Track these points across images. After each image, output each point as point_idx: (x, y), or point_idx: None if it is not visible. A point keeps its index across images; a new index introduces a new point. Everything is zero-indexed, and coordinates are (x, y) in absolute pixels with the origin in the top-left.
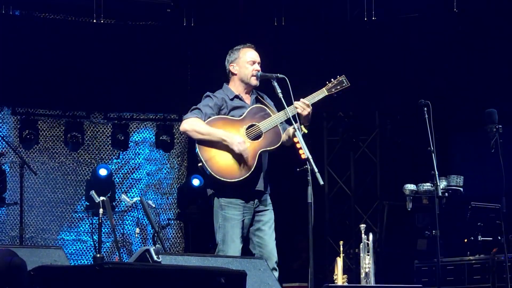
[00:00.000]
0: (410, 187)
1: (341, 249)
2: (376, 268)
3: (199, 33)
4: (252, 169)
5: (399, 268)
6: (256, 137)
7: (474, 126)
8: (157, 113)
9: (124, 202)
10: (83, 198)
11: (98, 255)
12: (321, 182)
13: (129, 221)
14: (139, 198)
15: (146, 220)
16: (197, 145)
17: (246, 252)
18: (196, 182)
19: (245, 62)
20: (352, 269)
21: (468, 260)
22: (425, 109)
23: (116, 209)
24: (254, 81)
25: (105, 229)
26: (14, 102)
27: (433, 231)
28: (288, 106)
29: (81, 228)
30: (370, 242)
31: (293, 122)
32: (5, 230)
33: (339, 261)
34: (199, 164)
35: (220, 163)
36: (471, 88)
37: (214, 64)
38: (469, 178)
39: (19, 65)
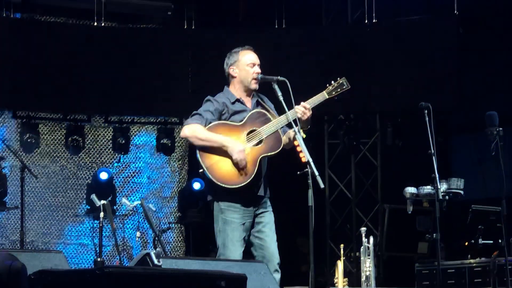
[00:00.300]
0: (411, 190)
1: (342, 252)
2: (377, 271)
3: (200, 36)
4: (253, 175)
5: (399, 271)
6: (257, 142)
7: (475, 128)
8: (158, 116)
9: (124, 205)
10: (84, 202)
11: (98, 259)
12: (322, 186)
13: (129, 224)
14: (139, 202)
15: (146, 223)
16: (198, 151)
17: (248, 255)
18: (196, 185)
19: (245, 64)
20: (353, 273)
21: (469, 263)
22: (426, 112)
23: (117, 213)
24: (253, 85)
25: (106, 232)
26: (15, 106)
27: (434, 234)
28: (289, 110)
29: (82, 232)
30: (371, 245)
31: (294, 125)
32: (5, 234)
33: (340, 264)
34: (200, 171)
35: (221, 169)
36: (472, 90)
37: (215, 68)
38: (470, 181)
39: (20, 68)
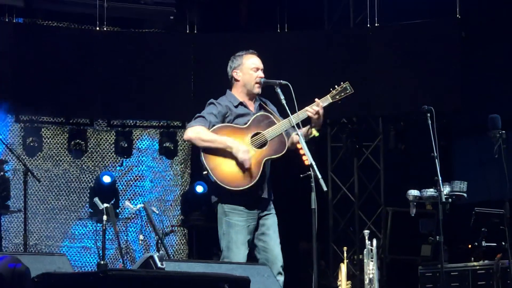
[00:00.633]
0: (414, 193)
1: (345, 255)
2: (380, 274)
3: (202, 40)
4: (258, 177)
5: (403, 274)
6: (261, 145)
7: (478, 131)
8: (161, 120)
9: (127, 209)
10: (87, 205)
11: (102, 262)
12: (325, 188)
13: (132, 228)
14: (142, 205)
15: (149, 227)
16: (202, 153)
17: (252, 258)
18: (199, 188)
19: (249, 68)
20: (356, 275)
21: (472, 266)
22: (428, 115)
23: (120, 216)
24: (257, 89)
25: (109, 236)
26: (18, 110)
27: (437, 237)
28: (292, 113)
29: (85, 235)
30: (374, 248)
31: (297, 129)
32: (9, 237)
33: (343, 267)
34: (204, 173)
35: (225, 171)
36: (475, 94)
37: (217, 71)
38: (473, 184)
39: (22, 72)
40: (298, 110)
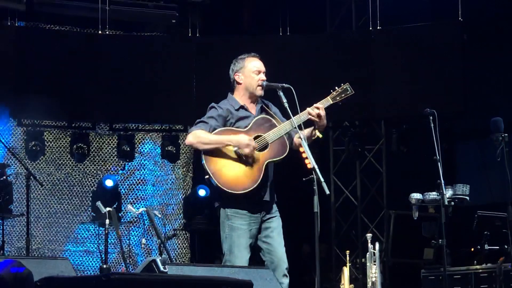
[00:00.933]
0: (416, 196)
1: (348, 258)
2: (383, 277)
3: (204, 43)
4: (259, 181)
5: (405, 277)
6: (262, 148)
7: (480, 135)
8: (163, 123)
9: (130, 212)
10: (89, 209)
11: (104, 266)
12: (327, 192)
13: (135, 232)
14: (145, 209)
15: (152, 230)
16: (203, 157)
17: (257, 259)
18: (202, 192)
19: (251, 71)
20: (359, 279)
21: (475, 269)
22: (431, 118)
23: (122, 220)
24: (259, 91)
25: (112, 240)
26: (20, 114)
27: (440, 240)
28: (294, 116)
29: (87, 239)
30: (377, 252)
31: (299, 131)
32: (11, 241)
33: (346, 271)
34: (206, 177)
35: (227, 175)
36: (477, 97)
37: (219, 75)
38: (475, 187)
39: (25, 76)
40: (301, 113)
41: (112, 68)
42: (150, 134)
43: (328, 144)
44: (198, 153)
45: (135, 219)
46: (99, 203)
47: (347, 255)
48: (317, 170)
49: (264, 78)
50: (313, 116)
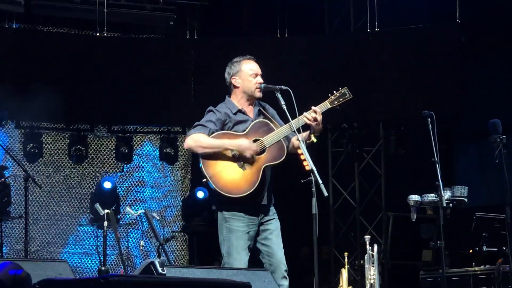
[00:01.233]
0: (415, 198)
1: (346, 260)
2: (381, 279)
3: (202, 45)
4: (257, 184)
5: (404, 279)
6: (260, 152)
7: (478, 136)
8: (161, 125)
9: (128, 214)
10: (88, 211)
11: (103, 268)
12: (326, 194)
13: (134, 234)
14: (143, 211)
15: (150, 232)
16: (201, 160)
17: (256, 262)
18: (200, 194)
19: (248, 75)
20: (357, 281)
21: (473, 271)
22: (429, 120)
23: (121, 222)
24: (258, 94)
25: (110, 242)
26: (18, 116)
27: (438, 242)
28: (292, 119)
29: (86, 241)
30: (375, 253)
31: (298, 134)
32: (10, 244)
33: (344, 272)
34: (203, 180)
35: (225, 178)
36: (475, 98)
37: (218, 77)
38: (474, 189)
39: (22, 78)
40: (299, 115)
41: (110, 70)
42: (149, 136)
43: (326, 146)
44: (196, 155)
45: (134, 221)
46: (97, 205)
47: (346, 257)
48: (316, 172)
49: (261, 80)
50: (309, 120)
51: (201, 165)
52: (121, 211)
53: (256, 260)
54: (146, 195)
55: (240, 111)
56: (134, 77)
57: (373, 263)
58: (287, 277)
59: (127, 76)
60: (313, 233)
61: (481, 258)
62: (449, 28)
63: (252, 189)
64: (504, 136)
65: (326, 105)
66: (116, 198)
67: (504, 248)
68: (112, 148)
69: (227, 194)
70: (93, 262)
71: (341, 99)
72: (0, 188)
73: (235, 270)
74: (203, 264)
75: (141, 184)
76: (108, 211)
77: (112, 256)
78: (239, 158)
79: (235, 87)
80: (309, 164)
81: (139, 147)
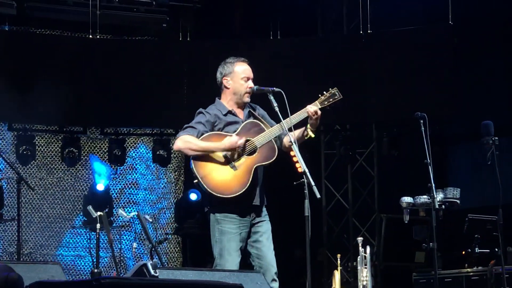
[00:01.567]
0: (407, 199)
1: (339, 262)
2: (374, 281)
3: (195, 47)
4: (248, 184)
5: (397, 281)
6: (251, 152)
7: (471, 138)
8: (154, 128)
9: (121, 217)
10: (81, 213)
11: (96, 270)
12: (318, 196)
13: (126, 236)
14: (136, 213)
15: (143, 235)
16: (192, 161)
17: (248, 263)
18: (193, 196)
19: (239, 78)
20: (350, 282)
21: (466, 272)
22: (421, 121)
23: (114, 224)
24: (246, 99)
25: (103, 244)
26: (11, 118)
27: (431, 244)
28: (284, 119)
29: (79, 243)
30: (368, 255)
31: (290, 136)
32: (3, 246)
33: (337, 274)
34: (194, 181)
35: (216, 179)
36: (468, 100)
37: (210, 79)
38: (466, 190)
39: (15, 80)
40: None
41: (103, 72)
42: (141, 138)
43: (319, 147)
44: (188, 157)
45: (127, 223)
46: (90, 208)
47: (338, 259)
48: (308, 174)
49: (252, 85)
50: (311, 114)
51: (192, 166)
52: (114, 213)
53: (247, 263)
54: (139, 197)
55: (230, 112)
56: (126, 79)
57: (365, 265)
58: (277, 279)
59: (120, 78)
60: (306, 235)
61: (473, 259)
62: (442, 30)
63: (244, 189)
64: (496, 138)
65: (316, 105)
66: (109, 200)
67: (496, 249)
68: (105, 151)
69: (218, 195)
70: (86, 264)
71: (331, 100)
72: None
73: (228, 272)
74: (197, 266)
75: (134, 186)
76: (101, 213)
77: (105, 258)
78: (230, 158)
79: (226, 88)
80: (301, 166)
81: (133, 149)
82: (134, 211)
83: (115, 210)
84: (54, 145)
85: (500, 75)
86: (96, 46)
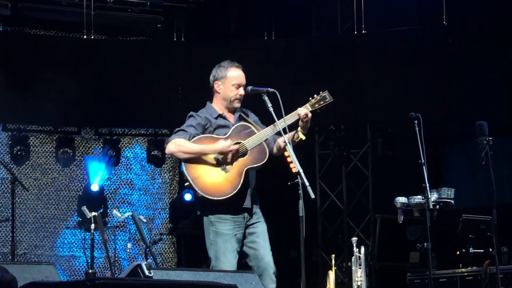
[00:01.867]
0: (401, 200)
1: (333, 262)
2: (369, 281)
3: (190, 48)
4: (239, 187)
5: (391, 281)
6: (242, 154)
7: (465, 138)
8: (148, 128)
9: (116, 217)
10: (76, 214)
11: (90, 271)
12: (312, 196)
13: (121, 236)
14: (130, 213)
15: (138, 235)
16: (183, 164)
17: (243, 266)
18: (188, 197)
19: (231, 84)
20: (345, 282)
21: (461, 272)
22: (416, 122)
23: (108, 225)
24: (236, 104)
25: (98, 244)
26: (5, 118)
27: (425, 244)
28: (278, 120)
29: (73, 243)
30: (362, 255)
31: (284, 136)
32: None
33: (331, 275)
34: (186, 184)
35: (207, 181)
36: (462, 100)
37: (205, 79)
38: (460, 191)
39: (9, 81)
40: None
41: (97, 73)
42: (136, 138)
43: (313, 148)
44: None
45: (121, 224)
46: (84, 208)
47: (333, 259)
48: (302, 174)
49: (243, 93)
50: (301, 116)
51: (183, 168)
52: (109, 213)
53: (243, 263)
54: (133, 197)
55: (220, 115)
56: (121, 79)
57: (360, 265)
58: (275, 280)
59: (114, 79)
60: (300, 236)
61: (468, 259)
62: (436, 31)
63: (235, 192)
64: (490, 138)
65: (307, 108)
66: (103, 201)
67: (490, 249)
68: (99, 151)
69: (209, 197)
70: (80, 264)
71: (321, 103)
72: None
73: (222, 273)
74: (191, 266)
75: (129, 187)
76: (95, 213)
77: (100, 259)
78: (222, 161)
79: (216, 92)
80: (296, 166)
81: (128, 150)
82: (129, 211)
83: (110, 210)
84: (49, 146)
85: (495, 76)
86: (91, 47)
